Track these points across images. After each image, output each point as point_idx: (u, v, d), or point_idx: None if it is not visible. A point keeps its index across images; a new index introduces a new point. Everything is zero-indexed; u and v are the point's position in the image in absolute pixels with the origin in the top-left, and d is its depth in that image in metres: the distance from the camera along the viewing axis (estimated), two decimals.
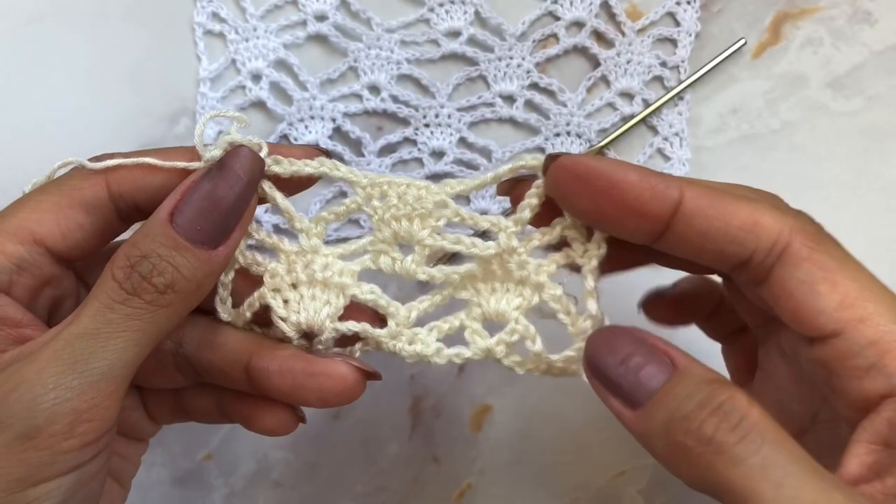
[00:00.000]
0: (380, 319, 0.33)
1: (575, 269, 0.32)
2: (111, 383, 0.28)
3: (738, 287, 0.33)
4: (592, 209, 0.29)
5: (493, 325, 0.33)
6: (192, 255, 0.29)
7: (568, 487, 0.47)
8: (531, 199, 0.31)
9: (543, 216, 0.32)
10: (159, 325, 0.29)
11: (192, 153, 0.32)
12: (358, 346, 0.33)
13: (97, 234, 0.32)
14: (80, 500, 0.29)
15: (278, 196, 0.32)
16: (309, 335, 0.33)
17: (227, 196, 0.30)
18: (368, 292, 0.33)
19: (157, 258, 0.29)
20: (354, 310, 0.33)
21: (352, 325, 0.33)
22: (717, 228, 0.28)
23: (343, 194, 0.46)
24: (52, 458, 0.27)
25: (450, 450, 0.47)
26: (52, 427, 0.27)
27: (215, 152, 0.31)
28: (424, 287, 0.34)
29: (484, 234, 0.33)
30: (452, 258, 0.34)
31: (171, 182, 0.31)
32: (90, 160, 0.32)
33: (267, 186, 0.32)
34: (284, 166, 0.32)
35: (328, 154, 0.34)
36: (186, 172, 0.31)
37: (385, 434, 0.46)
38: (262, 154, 0.32)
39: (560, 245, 0.32)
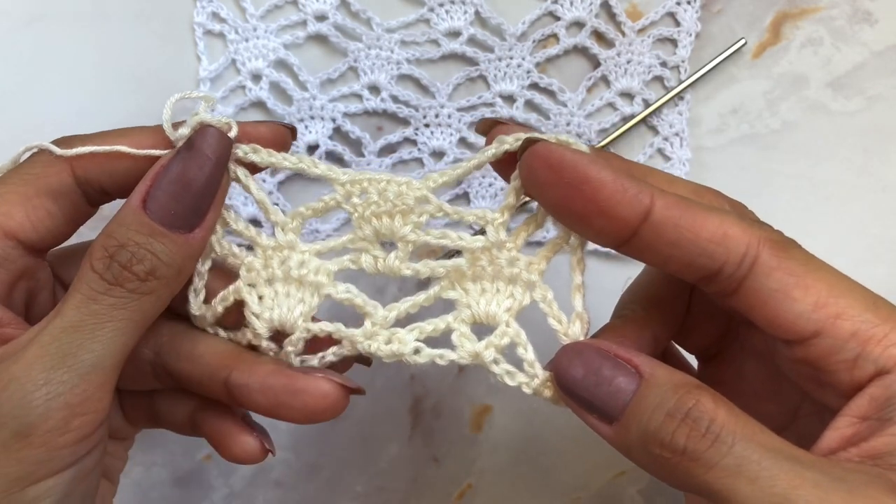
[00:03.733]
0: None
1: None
2: (101, 375, 0.28)
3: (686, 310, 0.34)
4: (561, 202, 0.28)
5: (482, 330, 0.32)
6: (168, 241, 0.29)
7: (568, 487, 0.47)
8: (516, 183, 0.30)
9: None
10: (144, 312, 0.29)
11: (157, 133, 0.31)
12: (332, 349, 0.32)
13: (67, 221, 0.32)
14: (78, 495, 0.29)
15: (253, 186, 0.32)
16: (280, 335, 0.32)
17: (197, 178, 0.30)
18: (344, 292, 0.32)
19: (135, 246, 0.29)
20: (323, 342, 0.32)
21: (325, 326, 0.31)
22: (687, 239, 0.28)
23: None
24: (49, 455, 0.27)
25: (450, 450, 0.47)
26: (46, 423, 0.27)
27: (184, 131, 0.31)
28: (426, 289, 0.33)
29: (481, 233, 0.32)
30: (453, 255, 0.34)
31: (138, 165, 0.31)
32: (55, 142, 0.31)
33: (242, 175, 0.32)
34: (262, 156, 0.32)
35: (294, 130, 0.33)
36: (154, 156, 0.31)
37: (385, 434, 0.46)
38: (232, 134, 0.31)
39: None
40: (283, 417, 0.31)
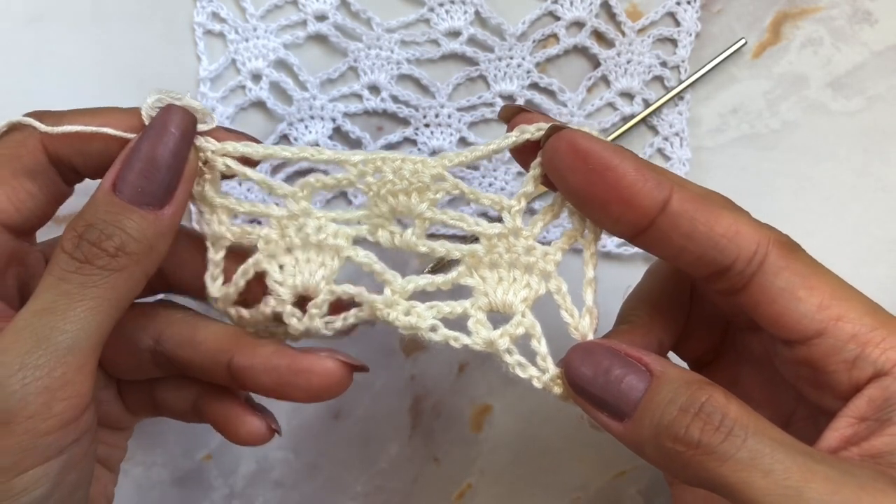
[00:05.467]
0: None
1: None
2: (79, 356, 0.28)
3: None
4: (583, 188, 0.29)
5: (497, 318, 0.32)
6: (138, 217, 0.29)
7: (568, 487, 0.47)
8: (535, 171, 0.31)
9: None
10: (117, 290, 0.29)
11: (132, 115, 0.31)
12: (353, 311, 0.32)
13: (48, 200, 0.32)
14: (69, 485, 0.28)
15: (248, 170, 0.32)
16: (303, 300, 0.32)
17: (163, 153, 0.30)
18: (364, 256, 0.32)
19: (104, 224, 0.29)
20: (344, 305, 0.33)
21: (348, 288, 0.32)
22: (701, 233, 0.28)
23: (284, 137, 0.45)
24: (34, 443, 0.27)
25: (450, 450, 0.47)
26: (26, 409, 0.26)
27: (155, 104, 0.31)
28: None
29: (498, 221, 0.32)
30: (447, 265, 0.34)
31: (110, 146, 0.31)
32: (28, 115, 0.31)
33: (233, 163, 0.32)
34: (256, 149, 0.32)
35: (258, 143, 0.33)
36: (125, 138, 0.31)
37: (385, 434, 0.46)
38: (213, 125, 0.31)
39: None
40: (288, 397, 0.31)
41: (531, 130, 0.30)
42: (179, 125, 0.30)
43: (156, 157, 0.30)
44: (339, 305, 0.32)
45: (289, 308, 0.32)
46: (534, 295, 0.32)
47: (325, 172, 0.45)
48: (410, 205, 0.31)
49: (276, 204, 0.33)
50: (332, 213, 0.32)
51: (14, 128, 0.32)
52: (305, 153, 0.32)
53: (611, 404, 0.29)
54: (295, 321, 0.32)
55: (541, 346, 0.31)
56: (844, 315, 0.28)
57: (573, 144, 0.29)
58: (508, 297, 0.31)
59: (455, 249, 0.32)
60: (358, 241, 0.32)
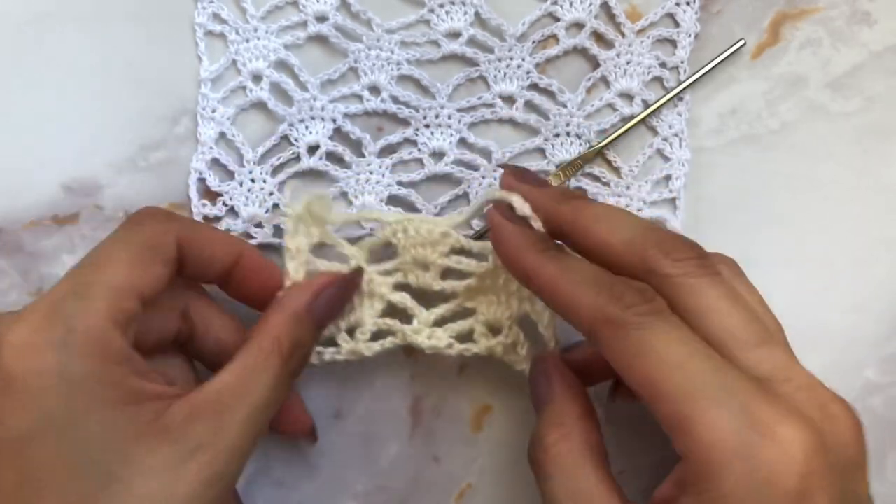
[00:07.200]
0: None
1: None
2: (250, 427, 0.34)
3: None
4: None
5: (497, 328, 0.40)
6: (316, 333, 0.38)
7: None
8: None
9: None
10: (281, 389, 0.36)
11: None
12: (389, 338, 0.42)
13: (165, 286, 0.36)
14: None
15: (331, 232, 0.41)
16: (353, 329, 0.42)
17: (344, 299, 0.40)
18: (400, 298, 0.42)
19: (300, 343, 0.37)
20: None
21: (386, 321, 0.42)
22: (557, 307, 0.34)
23: (285, 138, 0.46)
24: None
25: (450, 450, 0.47)
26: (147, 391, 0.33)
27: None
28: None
29: (483, 237, 0.43)
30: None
31: (215, 255, 0.37)
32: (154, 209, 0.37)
33: (334, 235, 0.41)
34: (339, 217, 0.41)
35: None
36: (233, 248, 0.39)
37: (385, 434, 0.46)
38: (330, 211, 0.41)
39: None
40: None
41: (497, 194, 0.38)
42: (352, 288, 0.41)
43: (341, 300, 0.40)
44: (377, 334, 0.42)
45: (343, 334, 0.41)
46: (517, 314, 0.41)
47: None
48: (426, 255, 0.41)
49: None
50: (378, 267, 0.42)
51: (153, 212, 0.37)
52: (374, 214, 0.42)
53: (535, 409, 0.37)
54: (345, 343, 0.42)
55: (522, 350, 0.41)
56: (663, 396, 0.30)
57: (495, 228, 0.36)
58: (497, 315, 0.42)
59: (459, 285, 0.42)
60: (397, 285, 0.42)
